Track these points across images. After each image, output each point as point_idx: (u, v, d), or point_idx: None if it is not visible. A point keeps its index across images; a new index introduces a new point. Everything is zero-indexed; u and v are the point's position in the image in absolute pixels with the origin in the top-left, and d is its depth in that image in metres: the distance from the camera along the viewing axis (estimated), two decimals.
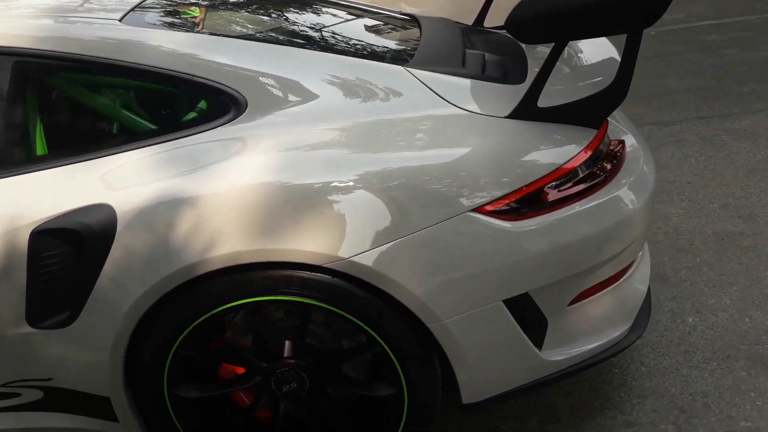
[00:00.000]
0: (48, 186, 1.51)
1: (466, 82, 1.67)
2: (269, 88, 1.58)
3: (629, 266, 1.73)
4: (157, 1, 1.95)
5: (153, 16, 1.83)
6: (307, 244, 1.41)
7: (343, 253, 1.42)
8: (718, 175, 3.16)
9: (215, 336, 1.64)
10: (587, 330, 1.68)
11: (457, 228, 1.46)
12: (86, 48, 1.57)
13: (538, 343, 1.63)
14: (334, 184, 1.45)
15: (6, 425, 1.64)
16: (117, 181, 1.49)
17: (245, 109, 1.54)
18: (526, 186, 1.50)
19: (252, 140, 1.50)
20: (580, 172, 1.55)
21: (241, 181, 1.44)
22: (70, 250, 1.45)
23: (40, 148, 1.63)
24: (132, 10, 1.77)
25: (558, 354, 1.64)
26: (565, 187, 1.53)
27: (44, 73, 1.64)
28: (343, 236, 1.43)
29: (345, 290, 1.46)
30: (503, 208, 1.48)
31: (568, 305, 1.63)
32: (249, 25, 2.08)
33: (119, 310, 1.46)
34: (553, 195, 1.52)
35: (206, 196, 1.43)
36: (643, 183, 1.68)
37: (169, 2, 2.02)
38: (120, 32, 1.63)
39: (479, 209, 1.47)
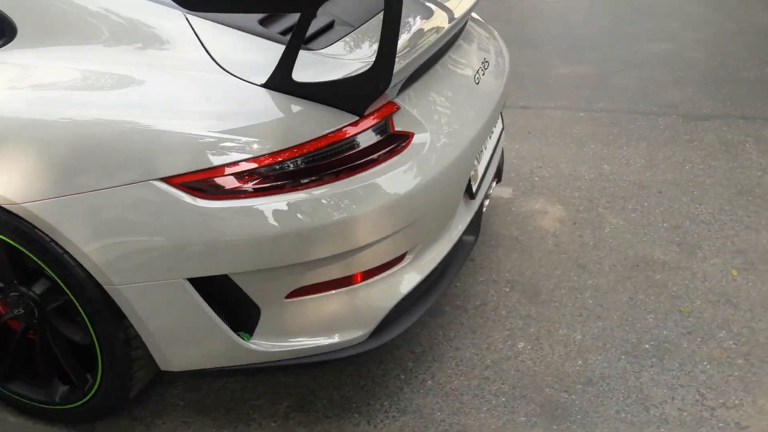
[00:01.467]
0: None
1: (249, 40, 1.51)
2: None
3: (372, 274, 1.54)
4: None
5: None
6: None
7: (19, 198, 1.39)
8: (700, 190, 2.69)
9: None
10: (309, 327, 1.55)
11: (139, 195, 1.37)
12: None
13: (248, 329, 1.54)
14: (32, 125, 1.40)
15: None
16: None
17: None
18: (225, 165, 1.36)
19: None
20: (288, 165, 1.38)
21: None
22: None
23: None
24: None
25: (270, 344, 1.54)
26: (271, 175, 1.38)
27: None
28: (24, 181, 1.39)
29: (29, 234, 1.44)
30: (196, 183, 1.37)
31: (286, 298, 1.51)
32: None
33: None
34: (255, 181, 1.38)
35: None
36: (385, 191, 1.46)
37: None
38: None
39: (168, 180, 1.36)
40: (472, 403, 1.79)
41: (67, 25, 1.49)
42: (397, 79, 1.44)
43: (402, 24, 1.67)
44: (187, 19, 1.49)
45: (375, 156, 1.47)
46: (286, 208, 1.38)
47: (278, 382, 1.88)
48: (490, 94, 1.89)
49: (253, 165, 1.37)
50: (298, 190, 1.39)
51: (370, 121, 1.46)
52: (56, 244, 1.42)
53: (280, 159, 1.38)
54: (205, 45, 1.47)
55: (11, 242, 1.47)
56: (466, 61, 1.90)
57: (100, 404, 1.67)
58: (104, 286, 1.44)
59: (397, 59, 1.36)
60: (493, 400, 1.79)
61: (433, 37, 1.59)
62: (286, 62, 1.36)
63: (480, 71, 1.90)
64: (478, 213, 1.94)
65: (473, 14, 2.29)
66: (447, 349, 1.98)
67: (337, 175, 1.42)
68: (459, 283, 2.25)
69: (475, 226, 1.92)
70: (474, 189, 1.84)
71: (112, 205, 1.38)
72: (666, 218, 2.54)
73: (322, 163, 1.40)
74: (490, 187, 2.07)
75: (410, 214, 1.51)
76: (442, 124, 1.63)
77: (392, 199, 1.46)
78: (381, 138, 1.49)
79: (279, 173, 1.38)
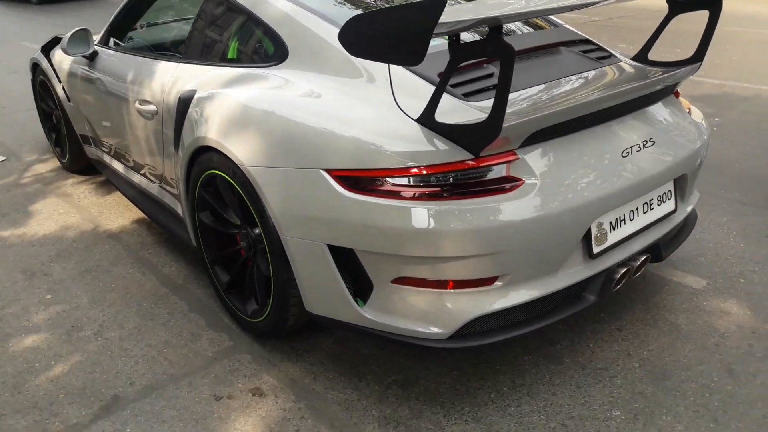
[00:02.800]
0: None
1: (425, 87, 2.00)
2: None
3: (462, 285, 1.86)
4: None
5: None
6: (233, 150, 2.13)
7: (246, 161, 2.08)
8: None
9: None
10: (404, 311, 1.94)
11: (309, 177, 1.94)
12: None
13: (364, 297, 2.00)
14: (268, 116, 2.08)
15: None
16: None
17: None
18: (370, 170, 1.86)
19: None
20: (411, 181, 1.80)
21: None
22: None
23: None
24: None
25: (376, 315, 1.98)
26: (398, 184, 1.82)
27: None
28: (252, 150, 2.07)
29: (250, 188, 2.12)
30: (348, 177, 1.89)
31: (392, 282, 1.93)
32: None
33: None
34: (387, 186, 1.84)
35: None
36: (478, 220, 1.77)
37: None
38: None
39: (329, 170, 1.91)
40: None
41: (315, 57, 2.17)
42: (516, 132, 1.77)
43: (548, 85, 1.99)
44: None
45: (485, 188, 1.81)
46: (398, 210, 1.81)
47: (396, 361, 2.29)
48: (638, 170, 2.02)
49: (391, 174, 1.84)
50: (415, 199, 1.80)
51: (489, 160, 1.81)
52: (262, 199, 2.08)
53: (409, 173, 1.82)
54: (393, 85, 1.99)
55: (242, 193, 2.19)
56: (624, 135, 2.06)
57: (269, 324, 2.30)
58: (281, 236, 2.06)
59: (516, 117, 1.69)
60: None
61: (565, 105, 1.85)
62: (431, 105, 1.80)
63: (635, 147, 2.04)
64: (605, 276, 2.07)
65: (680, 96, 2.38)
66: (545, 390, 2.13)
67: (450, 195, 1.79)
68: (593, 343, 2.35)
69: (596, 286, 2.06)
70: (595, 250, 1.99)
71: (291, 180, 1.98)
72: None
73: (441, 184, 1.80)
74: (635, 259, 2.15)
75: (498, 244, 1.79)
76: (556, 180, 1.87)
77: (484, 226, 1.77)
78: (495, 176, 1.82)
79: (406, 184, 1.82)
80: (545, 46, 2.34)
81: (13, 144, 4.92)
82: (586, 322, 2.47)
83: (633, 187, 2.01)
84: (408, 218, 1.80)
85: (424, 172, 1.80)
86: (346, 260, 1.98)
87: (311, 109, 2.03)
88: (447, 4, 1.49)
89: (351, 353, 2.35)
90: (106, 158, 3.62)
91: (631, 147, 2.05)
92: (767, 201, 3.45)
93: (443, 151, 1.81)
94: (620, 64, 2.33)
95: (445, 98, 1.94)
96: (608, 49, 2.48)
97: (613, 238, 2.05)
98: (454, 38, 1.70)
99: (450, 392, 2.15)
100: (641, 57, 2.45)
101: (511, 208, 1.80)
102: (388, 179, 1.84)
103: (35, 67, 4.21)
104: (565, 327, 2.44)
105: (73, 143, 4.01)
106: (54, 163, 4.46)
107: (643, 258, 2.18)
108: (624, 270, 2.11)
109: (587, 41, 2.50)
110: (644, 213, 2.14)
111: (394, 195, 1.83)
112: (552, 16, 2.72)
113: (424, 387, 2.17)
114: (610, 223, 2.02)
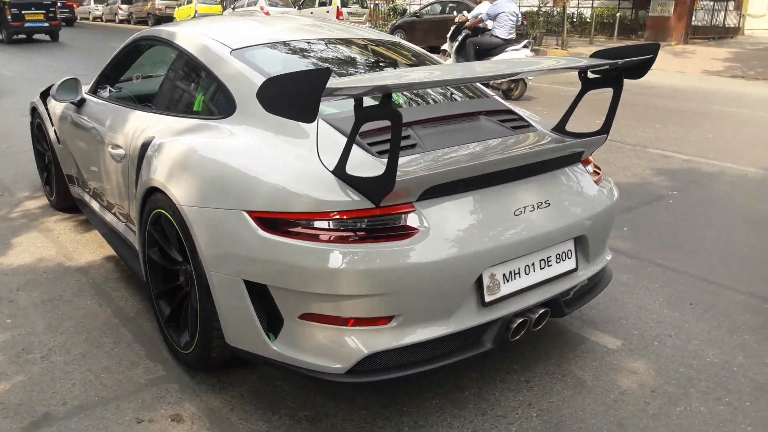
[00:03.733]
0: None
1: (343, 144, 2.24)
2: None
3: (360, 323, 2.05)
4: None
5: None
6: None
7: (182, 201, 2.32)
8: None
9: None
10: (309, 346, 2.12)
11: (232, 217, 2.17)
12: None
13: (275, 332, 2.19)
14: (203, 160, 2.35)
15: None
16: None
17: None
18: (282, 213, 2.08)
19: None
20: (318, 225, 2.02)
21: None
22: None
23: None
24: None
25: (284, 349, 2.17)
26: (307, 227, 2.04)
27: None
28: (187, 190, 2.32)
29: (185, 226, 2.35)
30: (265, 219, 2.11)
31: (299, 317, 2.12)
32: None
33: None
34: (298, 228, 2.05)
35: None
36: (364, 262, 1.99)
37: None
38: None
39: (249, 212, 2.14)
40: None
41: (257, 112, 2.42)
42: (412, 186, 1.99)
43: (455, 147, 2.23)
44: (320, 122, 2.29)
45: (382, 235, 2.02)
46: (307, 251, 2.01)
47: (311, 398, 2.44)
48: (530, 227, 2.23)
49: (301, 217, 2.06)
50: (321, 241, 2.01)
51: (387, 210, 2.03)
52: (192, 235, 2.31)
53: (317, 218, 2.04)
54: (318, 140, 2.23)
55: (179, 230, 2.41)
56: (520, 195, 2.28)
57: (196, 356, 2.48)
58: (206, 271, 2.27)
59: (411, 174, 1.92)
60: None
61: (459, 166, 2.07)
62: (342, 158, 2.04)
63: (528, 207, 2.26)
64: (500, 325, 2.24)
65: (583, 161, 2.61)
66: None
67: (352, 240, 2.01)
68: (498, 392, 2.49)
69: (492, 333, 2.23)
70: (487, 299, 2.18)
71: (218, 219, 2.20)
72: (754, 423, 2.33)
73: (345, 228, 2.03)
74: (533, 311, 2.32)
75: (389, 285, 1.99)
76: (448, 231, 2.08)
77: (376, 267, 1.98)
78: (392, 224, 2.04)
79: (314, 227, 2.03)
80: (466, 114, 2.59)
81: (10, 181, 5.24)
82: (497, 372, 2.62)
83: (523, 243, 2.21)
84: (313, 258, 2.01)
85: (335, 217, 2.03)
86: (260, 296, 2.17)
87: (242, 156, 2.29)
88: (349, 74, 1.74)
89: (270, 389, 2.51)
90: (86, 197, 3.89)
91: (525, 207, 2.26)
92: (700, 270, 3.61)
93: (351, 200, 2.04)
94: (531, 133, 2.57)
95: (361, 154, 2.18)
96: (528, 120, 2.73)
97: (506, 289, 2.23)
98: (358, 102, 1.95)
99: (355, 429, 2.29)
100: (559, 127, 2.69)
101: (402, 253, 2.01)
102: (300, 222, 2.06)
103: (33, 110, 4.56)
104: (476, 375, 2.60)
105: (60, 182, 4.30)
106: (43, 200, 4.75)
107: (542, 311, 2.35)
108: (520, 320, 2.28)
109: (510, 111, 2.75)
110: (541, 269, 2.33)
111: (304, 236, 2.04)
112: (483, 88, 2.98)
113: (332, 423, 2.33)
114: (504, 275, 2.21)
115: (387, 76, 2.14)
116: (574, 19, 21.50)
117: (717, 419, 2.37)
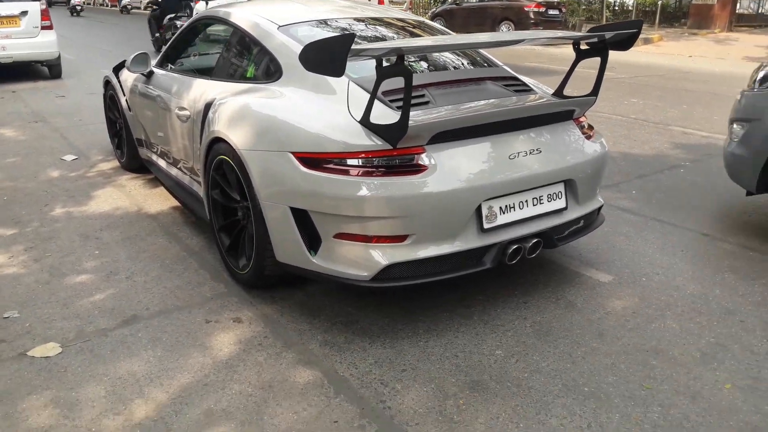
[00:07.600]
0: None
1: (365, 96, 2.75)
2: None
3: (382, 240, 2.56)
4: None
5: None
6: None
7: (240, 145, 2.87)
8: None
9: None
10: (342, 259, 2.65)
11: (280, 157, 2.71)
12: None
13: (315, 249, 2.73)
14: (254, 113, 2.89)
15: None
16: None
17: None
18: (319, 153, 2.61)
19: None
20: (349, 162, 2.54)
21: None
22: None
23: None
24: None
25: (323, 262, 2.70)
26: (340, 163, 2.56)
27: None
28: (243, 137, 2.86)
29: (244, 167, 2.90)
30: (306, 158, 2.64)
31: (334, 237, 2.65)
32: None
33: None
34: (332, 165, 2.58)
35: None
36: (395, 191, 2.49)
37: None
38: None
39: (294, 153, 2.67)
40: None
41: (300, 76, 2.96)
42: (421, 132, 2.49)
43: (462, 104, 2.72)
44: (349, 81, 2.81)
45: (399, 170, 2.53)
46: (340, 182, 2.53)
47: (345, 309, 2.97)
48: (521, 169, 2.71)
49: (335, 156, 2.58)
50: (350, 175, 2.53)
51: (402, 151, 2.54)
52: (248, 173, 2.85)
53: (348, 156, 2.56)
54: (348, 98, 2.75)
55: (237, 171, 2.97)
56: (514, 143, 2.75)
57: (252, 275, 3.04)
58: (260, 202, 2.82)
59: (420, 122, 2.42)
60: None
61: (460, 116, 2.56)
62: (367, 110, 2.55)
63: (522, 153, 2.73)
64: (497, 249, 2.72)
65: (575, 119, 3.05)
66: (450, 335, 2.78)
67: (375, 174, 2.52)
68: (500, 309, 2.98)
69: (490, 256, 2.72)
70: (485, 226, 2.67)
71: (268, 159, 2.74)
72: (717, 337, 2.76)
73: (370, 165, 2.53)
74: (527, 240, 2.80)
75: (405, 209, 2.50)
76: (452, 170, 2.57)
77: (394, 195, 2.49)
78: (407, 162, 2.54)
79: (346, 164, 2.55)
80: (475, 79, 3.07)
81: (84, 147, 5.94)
82: (500, 295, 3.11)
83: (515, 181, 2.69)
84: (345, 188, 2.53)
85: (362, 156, 2.54)
86: (303, 220, 2.71)
87: (288, 110, 2.83)
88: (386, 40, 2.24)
89: (313, 302, 3.06)
90: (154, 157, 4.51)
91: (518, 153, 2.73)
92: (697, 225, 4.00)
93: (374, 144, 2.55)
94: (530, 95, 3.03)
95: (383, 108, 2.68)
96: (530, 85, 3.19)
97: (502, 219, 2.71)
98: (378, 63, 2.45)
99: (378, 331, 2.82)
100: (558, 92, 3.14)
101: (415, 185, 2.51)
102: (334, 160, 2.59)
103: (107, 83, 5.21)
104: (482, 297, 3.09)
105: (130, 146, 4.93)
106: (114, 163, 5.41)
107: (534, 241, 2.82)
108: (515, 247, 2.76)
109: (514, 78, 3.22)
110: (534, 205, 2.80)
111: (337, 171, 2.57)
112: (492, 56, 3.46)
113: (361, 326, 2.86)
114: (500, 207, 2.70)
115: (401, 42, 2.63)
116: (615, 7, 21.46)
117: (686, 333, 2.80)
